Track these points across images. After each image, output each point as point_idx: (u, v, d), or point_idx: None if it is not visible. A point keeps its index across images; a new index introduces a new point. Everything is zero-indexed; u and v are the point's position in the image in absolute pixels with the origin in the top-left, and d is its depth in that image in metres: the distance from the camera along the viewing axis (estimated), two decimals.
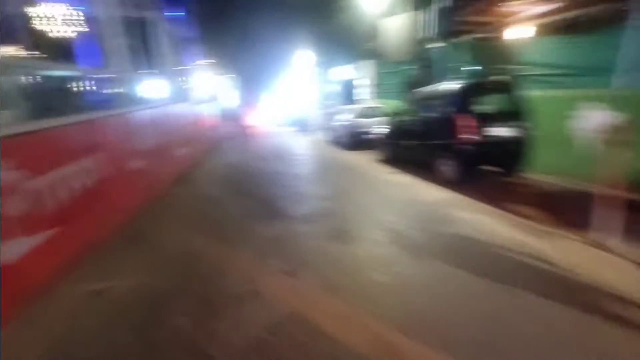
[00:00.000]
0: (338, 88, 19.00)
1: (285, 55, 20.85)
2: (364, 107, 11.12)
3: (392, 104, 11.46)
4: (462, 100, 5.24)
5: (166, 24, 9.22)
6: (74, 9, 8.04)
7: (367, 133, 10.71)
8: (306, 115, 17.98)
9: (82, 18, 8.41)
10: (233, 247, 3.56)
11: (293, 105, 22.91)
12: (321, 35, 16.41)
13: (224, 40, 20.00)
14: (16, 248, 2.36)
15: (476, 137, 5.13)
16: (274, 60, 23.02)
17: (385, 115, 10.86)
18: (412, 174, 6.81)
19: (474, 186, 5.78)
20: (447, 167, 5.72)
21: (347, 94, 18.70)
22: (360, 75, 15.29)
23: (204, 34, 12.70)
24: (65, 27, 7.57)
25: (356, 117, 10.78)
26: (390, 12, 10.46)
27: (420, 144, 6.47)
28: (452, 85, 5.63)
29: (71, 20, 7.72)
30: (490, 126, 5.19)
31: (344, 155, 9.95)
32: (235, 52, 23.18)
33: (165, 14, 8.69)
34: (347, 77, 16.98)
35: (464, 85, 5.35)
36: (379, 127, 10.76)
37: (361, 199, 5.28)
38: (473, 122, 5.08)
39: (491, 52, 7.47)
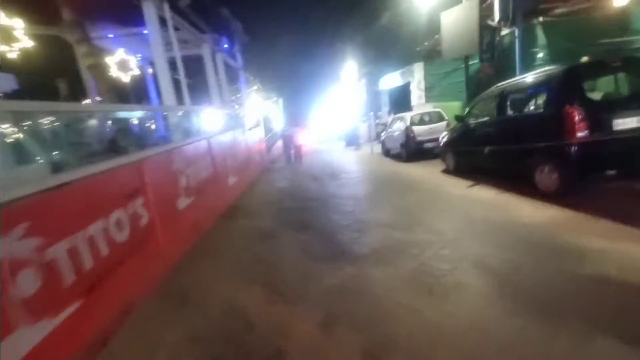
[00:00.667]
0: (387, 97, 17.99)
1: (330, 71, 20.52)
2: (419, 114, 9.99)
3: (452, 106, 10.16)
4: (571, 87, 3.97)
5: (217, 57, 9.25)
6: (131, 54, 8.38)
7: (426, 141, 9.54)
8: (355, 129, 17.21)
9: (138, 61, 8.75)
10: (290, 306, 2.79)
11: (341, 119, 22.37)
12: (367, 44, 15.75)
13: (268, 65, 20.48)
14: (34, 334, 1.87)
15: (595, 134, 3.82)
16: (318, 77, 22.92)
17: (444, 120, 9.61)
18: (496, 187, 5.53)
19: (592, 199, 4.36)
20: (549, 175, 4.41)
21: (398, 102, 17.59)
22: (410, 80, 14.16)
23: (248, 61, 12.76)
24: (123, 72, 7.92)
25: (411, 124, 9.68)
26: (447, 4, 9.37)
27: (504, 149, 5.21)
28: (551, 71, 4.37)
29: (128, 64, 8.06)
30: (614, 118, 3.84)
31: (403, 169, 8.87)
32: (279, 75, 23.64)
33: (215, 47, 8.66)
34: (396, 84, 15.94)
35: (573, 67, 4.07)
36: (440, 134, 9.55)
37: (440, 224, 4.22)
38: (589, 115, 3.79)
39: (589, 27, 5.97)
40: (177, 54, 5.64)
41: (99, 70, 6.20)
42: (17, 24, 5.50)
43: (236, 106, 10.29)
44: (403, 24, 13.31)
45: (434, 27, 11.97)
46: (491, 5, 7.70)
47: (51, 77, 8.36)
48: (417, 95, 13.72)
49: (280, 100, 26.55)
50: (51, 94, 8.86)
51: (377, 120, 17.20)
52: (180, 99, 5.77)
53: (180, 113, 4.98)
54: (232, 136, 7.54)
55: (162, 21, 5.67)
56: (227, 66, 11.60)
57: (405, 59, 14.48)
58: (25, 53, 8.31)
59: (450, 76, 11.24)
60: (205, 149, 5.31)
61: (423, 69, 13.36)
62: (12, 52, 5.72)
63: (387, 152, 12.12)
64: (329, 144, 21.34)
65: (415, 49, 13.02)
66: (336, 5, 16.95)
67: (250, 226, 5.15)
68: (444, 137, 7.61)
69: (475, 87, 8.96)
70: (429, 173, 7.79)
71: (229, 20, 9.02)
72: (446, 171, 7.47)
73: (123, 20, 5.91)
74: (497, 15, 7.35)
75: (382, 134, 12.63)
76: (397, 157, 10.61)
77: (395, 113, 16.02)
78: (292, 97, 29.10)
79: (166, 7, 5.31)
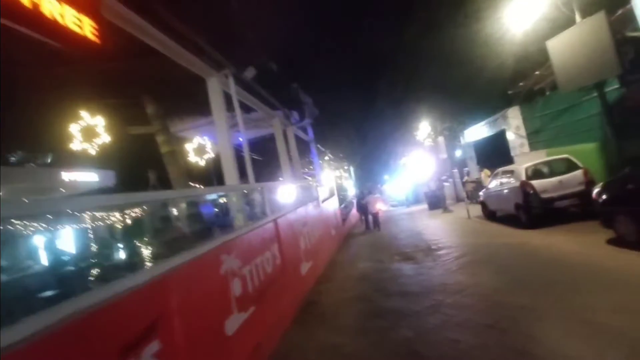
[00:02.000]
0: (472, 151, 15.70)
1: (403, 131, 19.45)
2: (536, 164, 7.62)
3: (581, 150, 7.60)
4: None
5: (288, 131, 8.89)
6: (211, 139, 8.51)
7: (556, 199, 6.98)
8: (439, 189, 14.96)
9: (212, 146, 8.86)
10: None
11: (420, 181, 20.32)
12: (443, 98, 14.41)
13: (338, 134, 20.58)
14: None
15: None
16: (390, 140, 21.97)
17: (579, 168, 7.06)
18: None
19: None
20: None
21: (488, 155, 15.08)
22: (503, 128, 11.94)
23: (318, 132, 12.48)
24: (199, 156, 7.99)
25: (528, 178, 7.33)
26: (542, 35, 7.68)
27: None
28: None
29: (204, 148, 8.14)
30: None
31: (530, 238, 6.34)
32: (349, 142, 23.54)
33: (286, 122, 8.32)
34: (483, 135, 13.77)
35: None
36: (574, 187, 6.94)
37: None
38: None
39: None
40: (242, 129, 5.00)
41: (174, 156, 6.04)
42: (99, 121, 5.88)
43: (309, 179, 9.49)
44: (484, 69, 11.75)
45: (527, 65, 10.12)
46: (629, 13, 5.75)
47: (144, 169, 8.87)
48: (517, 144, 11.27)
49: (352, 168, 26.05)
50: (143, 184, 9.56)
51: (466, 178, 14.75)
52: (246, 179, 5.02)
53: (237, 193, 4.06)
54: (305, 211, 6.41)
55: (229, 100, 5.25)
56: (298, 139, 11.31)
57: (493, 107, 12.52)
58: (123, 149, 9.13)
59: (567, 114, 8.83)
60: (271, 234, 4.12)
61: (520, 114, 11.15)
62: (92, 148, 6.00)
63: (491, 215, 9.55)
64: (410, 208, 19.09)
65: (506, 92, 11.10)
66: (406, 59, 16.47)
67: (331, 346, 3.45)
68: (600, 191, 5.17)
69: (620, 120, 6.51)
70: (584, 247, 5.20)
71: (298, 94, 8.86)
72: (619, 242, 4.85)
73: (200, 110, 5.66)
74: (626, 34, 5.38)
75: (481, 193, 10.24)
76: (512, 223, 8.04)
77: (487, 167, 13.56)
78: (363, 163, 28.52)
79: (231, 82, 4.87)
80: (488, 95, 12.68)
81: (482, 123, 13.23)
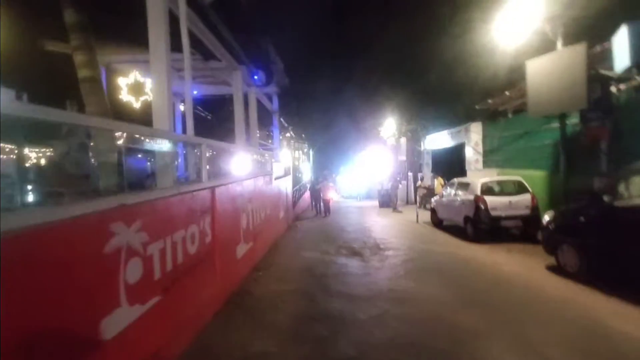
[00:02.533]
0: (430, 158, 15.98)
1: (368, 125, 19.16)
2: (492, 181, 7.67)
3: (530, 176, 7.81)
4: None
5: (250, 93, 7.79)
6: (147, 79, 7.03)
7: (504, 218, 7.07)
8: (392, 189, 15.01)
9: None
10: None
11: (376, 178, 20.40)
12: (413, 100, 14.25)
13: (303, 113, 19.65)
14: None
15: None
16: (354, 131, 21.64)
17: (527, 192, 7.21)
18: None
19: None
20: None
21: (444, 165, 15.48)
22: (463, 141, 12.15)
23: (283, 106, 11.48)
24: (134, 96, 6.53)
25: (482, 194, 7.33)
26: (520, 56, 7.63)
27: None
28: None
29: (141, 87, 6.69)
30: None
31: (476, 253, 6.31)
32: (313, 124, 22.73)
33: (249, 81, 7.21)
34: (444, 145, 13.98)
35: None
36: (521, 210, 7.10)
37: None
38: None
39: None
40: (189, 72, 3.93)
41: (95, 85, 4.67)
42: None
43: (265, 154, 8.58)
44: (458, 78, 11.74)
45: (498, 83, 10.24)
46: (607, 51, 5.79)
47: (63, 98, 7.09)
48: (473, 159, 11.54)
49: (312, 152, 25.37)
50: None
51: (419, 183, 15.00)
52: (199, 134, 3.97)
53: (168, 144, 3.07)
54: (254, 185, 5.56)
55: (178, 32, 4.07)
56: (261, 107, 10.23)
57: (458, 118, 12.67)
58: (35, 70, 7.24)
59: (524, 139, 9.10)
60: (204, 204, 3.25)
61: (481, 130, 11.38)
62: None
63: (438, 223, 9.64)
64: (361, 202, 19.13)
65: (473, 106, 11.22)
66: (383, 56, 15.98)
67: (253, 356, 2.76)
68: (551, 219, 5.16)
69: (570, 153, 6.72)
70: (528, 270, 5.19)
71: (269, 51, 7.76)
72: (557, 270, 4.88)
73: (144, 42, 4.36)
74: (621, 62, 5.38)
75: (433, 200, 10.30)
76: (458, 233, 8.10)
77: (441, 177, 13.85)
78: (323, 148, 27.98)
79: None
80: (455, 106, 12.80)
81: (445, 132, 13.38)
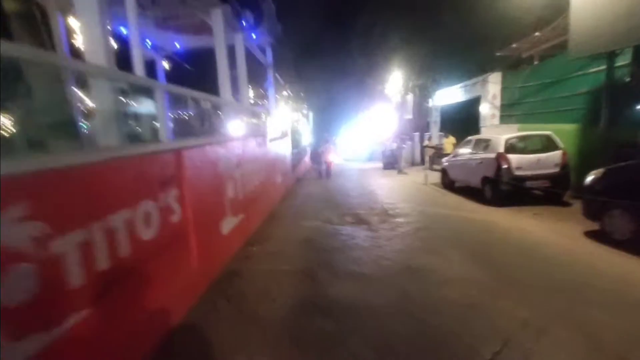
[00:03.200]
0: (438, 115, 14.79)
1: (371, 82, 17.64)
2: (517, 137, 6.70)
3: (558, 130, 6.82)
4: None
5: (237, 38, 6.57)
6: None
7: (529, 178, 6.24)
8: (398, 150, 14.05)
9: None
10: None
11: (380, 138, 19.31)
12: (420, 51, 12.72)
13: (301, 71, 18.05)
14: None
15: None
16: (356, 89, 20.11)
17: (558, 148, 6.29)
18: None
19: None
20: None
21: (455, 122, 14.31)
22: (479, 95, 10.93)
23: (279, 61, 10.16)
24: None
25: (506, 151, 6.42)
26: None
27: None
28: None
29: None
30: None
31: (497, 219, 5.56)
32: (313, 85, 21.13)
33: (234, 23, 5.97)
34: (455, 99, 12.74)
35: None
36: (550, 168, 6.23)
37: None
38: None
39: None
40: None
41: (29, 23, 3.62)
42: None
43: (258, 112, 7.56)
44: (475, 22, 10.24)
45: (524, 25, 8.83)
46: None
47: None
48: (489, 114, 10.43)
49: (311, 114, 23.97)
50: None
51: (427, 142, 13.99)
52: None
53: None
54: (243, 147, 4.68)
55: None
56: (253, 61, 8.97)
57: (473, 70, 11.33)
58: None
59: (551, 89, 7.96)
60: (166, 172, 2.41)
61: (500, 81, 10.13)
62: None
63: (450, 185, 8.86)
64: (366, 164, 18.25)
65: (491, 55, 9.88)
66: (388, 2, 14.10)
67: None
68: (596, 178, 4.31)
69: (609, 101, 5.68)
70: (562, 237, 4.46)
71: None
72: (599, 237, 4.15)
73: None
74: None
75: (444, 160, 9.41)
76: (474, 196, 7.34)
77: (452, 135, 12.79)
78: (323, 110, 26.50)
79: None
80: (471, 56, 11.39)
81: (458, 86, 12.09)
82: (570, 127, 7.00)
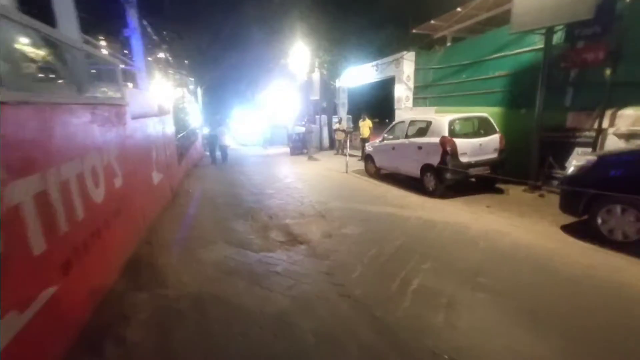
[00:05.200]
0: (346, 97, 13.75)
1: (271, 57, 15.21)
2: (459, 119, 5.83)
3: (494, 113, 6.37)
4: None
5: None
6: None
7: (474, 164, 5.48)
8: (307, 134, 12.42)
9: None
10: None
11: (283, 121, 17.21)
12: (328, 24, 11.08)
13: (188, 38, 14.05)
14: None
15: None
16: (254, 64, 17.26)
17: (495, 132, 5.73)
18: None
19: None
20: None
21: (365, 104, 13.50)
22: (392, 75, 10.17)
23: (161, 26, 6.84)
24: None
25: (451, 135, 5.47)
26: None
27: None
28: None
29: None
30: None
31: (456, 217, 4.50)
32: (202, 57, 17.03)
33: None
34: (366, 80, 11.79)
35: None
36: (490, 154, 5.62)
37: None
38: None
39: None
40: None
41: None
42: None
43: (116, 70, 4.45)
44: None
45: (438, 3, 8.21)
46: None
47: None
48: (404, 96, 9.79)
49: (200, 90, 19.81)
50: None
51: (337, 125, 12.81)
52: None
53: None
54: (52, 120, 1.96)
55: None
56: None
57: (386, 48, 10.48)
58: None
59: (470, 70, 7.62)
60: None
61: (414, 61, 9.52)
62: None
63: (375, 173, 7.77)
64: (268, 149, 15.94)
65: (408, 31, 9.11)
66: None
67: None
68: (582, 167, 3.53)
69: (529, 85, 5.40)
70: (547, 239, 3.60)
71: None
72: (595, 239, 3.41)
73: None
74: None
75: (368, 145, 8.23)
76: (408, 186, 6.33)
77: (369, 118, 11.86)
78: (215, 87, 22.47)
79: None
80: (385, 32, 10.48)
81: (370, 65, 11.13)
82: (494, 111, 6.63)
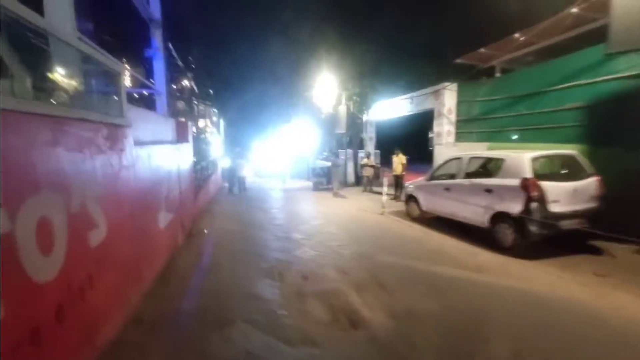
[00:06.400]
0: (374, 131, 12.89)
1: (296, 90, 14.82)
2: (542, 156, 4.61)
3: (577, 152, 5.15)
4: None
5: None
6: None
7: (567, 216, 4.18)
8: (333, 169, 11.42)
9: None
10: None
11: (306, 155, 16.44)
12: (363, 55, 10.50)
13: (212, 68, 14.03)
14: None
15: None
16: (278, 96, 16.97)
17: (589, 174, 4.47)
18: None
19: None
20: None
21: (394, 139, 12.55)
22: (429, 108, 9.24)
23: (187, 53, 6.41)
24: None
25: (536, 176, 4.24)
26: None
27: None
28: None
29: None
30: None
31: (573, 293, 3.12)
32: (226, 87, 17.05)
33: None
34: (398, 114, 10.92)
35: None
36: (589, 202, 4.31)
37: None
38: None
39: None
40: None
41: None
42: None
43: (117, 75, 3.65)
44: (424, 28, 8.60)
45: (498, 26, 7.42)
46: None
47: None
48: (445, 130, 8.75)
49: (222, 122, 19.62)
50: None
51: (365, 160, 11.79)
52: None
53: None
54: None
55: None
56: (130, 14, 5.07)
57: (421, 80, 9.69)
58: None
59: (526, 103, 6.55)
60: None
61: (457, 93, 8.60)
62: None
63: (419, 217, 6.51)
64: (290, 183, 14.98)
65: (447, 62, 8.33)
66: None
67: None
68: None
69: (621, 119, 4.25)
70: None
71: None
72: None
73: None
74: None
75: (409, 184, 7.05)
76: (466, 235, 5.01)
77: (402, 153, 10.81)
78: (236, 119, 22.40)
79: None
80: (420, 63, 9.76)
81: (403, 97, 10.32)
82: (563, 149, 5.37)
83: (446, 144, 8.61)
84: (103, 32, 5.59)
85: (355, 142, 13.43)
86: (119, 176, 2.47)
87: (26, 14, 1.53)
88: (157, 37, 5.45)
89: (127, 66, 7.19)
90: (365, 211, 7.90)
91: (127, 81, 7.81)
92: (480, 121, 7.98)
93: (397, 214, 7.26)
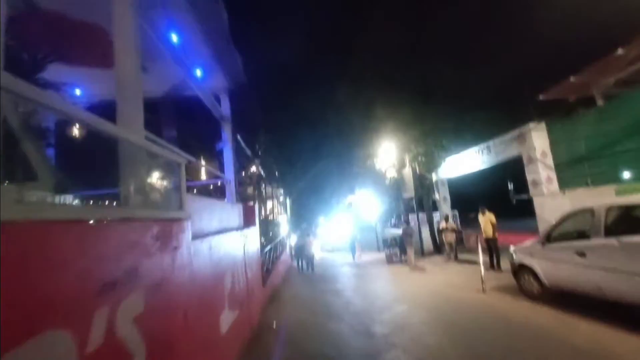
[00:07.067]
0: (446, 190, 11.60)
1: (360, 157, 14.83)
2: None
3: None
4: None
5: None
6: None
7: None
8: (405, 237, 10.15)
9: None
10: None
11: (373, 219, 15.52)
12: (424, 112, 10.14)
13: (277, 152, 15.18)
14: None
15: None
16: (340, 169, 17.21)
17: None
18: None
19: None
20: None
21: (472, 197, 11.08)
22: (514, 154, 7.93)
23: (247, 129, 7.05)
24: None
25: None
26: None
27: None
28: None
29: None
30: None
31: None
32: (290, 169, 18.10)
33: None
34: (472, 168, 9.72)
35: None
36: None
37: None
38: None
39: None
40: None
41: None
42: None
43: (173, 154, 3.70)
44: (489, 71, 7.98)
45: (586, 50, 6.44)
46: None
47: None
48: (543, 177, 7.20)
49: (288, 200, 20.36)
50: None
51: (443, 224, 10.31)
52: None
53: None
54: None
55: None
56: (199, 107, 5.68)
57: (494, 126, 8.66)
58: None
59: None
60: None
61: (547, 133, 7.28)
62: None
63: (538, 293, 4.79)
64: (352, 258, 13.83)
65: (528, 99, 7.31)
66: (377, 63, 12.25)
67: None
68: None
69: None
70: None
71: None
72: None
73: None
74: None
75: (519, 250, 5.53)
76: (596, 311, 3.27)
77: (488, 211, 9.26)
78: (301, 197, 23.10)
79: None
80: (488, 110, 8.88)
81: (475, 149, 9.24)
82: None
83: (550, 193, 6.97)
84: (185, 136, 6.29)
85: (426, 204, 12.15)
86: (170, 279, 2.07)
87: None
88: (227, 131, 5.90)
89: (202, 161, 7.94)
90: (457, 288, 6.35)
91: (202, 175, 8.64)
92: (591, 161, 6.37)
93: (504, 290, 5.61)
